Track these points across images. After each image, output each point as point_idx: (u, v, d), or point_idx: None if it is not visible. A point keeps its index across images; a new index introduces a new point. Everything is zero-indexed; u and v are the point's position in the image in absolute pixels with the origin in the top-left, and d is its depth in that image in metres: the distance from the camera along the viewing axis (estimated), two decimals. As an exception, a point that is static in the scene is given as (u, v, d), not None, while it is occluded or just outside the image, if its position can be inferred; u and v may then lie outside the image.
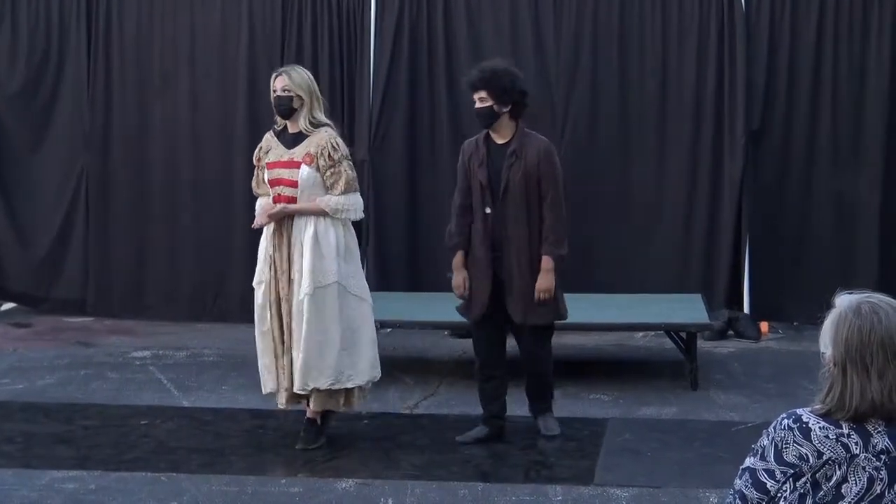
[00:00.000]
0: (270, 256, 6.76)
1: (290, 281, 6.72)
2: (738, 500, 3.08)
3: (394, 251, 10.31)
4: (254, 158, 6.98)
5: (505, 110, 6.80)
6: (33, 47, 10.71)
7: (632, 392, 8.07)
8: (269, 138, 6.91)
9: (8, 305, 11.06)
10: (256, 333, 6.87)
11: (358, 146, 10.24)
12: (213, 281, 10.46)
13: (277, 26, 10.42)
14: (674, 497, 6.12)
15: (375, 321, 8.56)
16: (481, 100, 6.81)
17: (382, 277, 10.20)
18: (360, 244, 10.17)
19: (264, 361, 6.83)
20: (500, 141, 6.86)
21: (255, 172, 6.97)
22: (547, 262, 6.78)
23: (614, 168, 10.14)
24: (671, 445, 6.95)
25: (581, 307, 8.96)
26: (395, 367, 8.73)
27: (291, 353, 6.72)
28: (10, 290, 10.93)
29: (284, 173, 6.74)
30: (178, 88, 10.58)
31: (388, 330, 9.34)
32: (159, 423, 7.43)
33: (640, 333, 9.60)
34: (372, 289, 10.03)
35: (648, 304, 9.07)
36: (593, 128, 10.17)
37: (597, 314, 8.83)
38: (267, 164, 6.82)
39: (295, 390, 6.74)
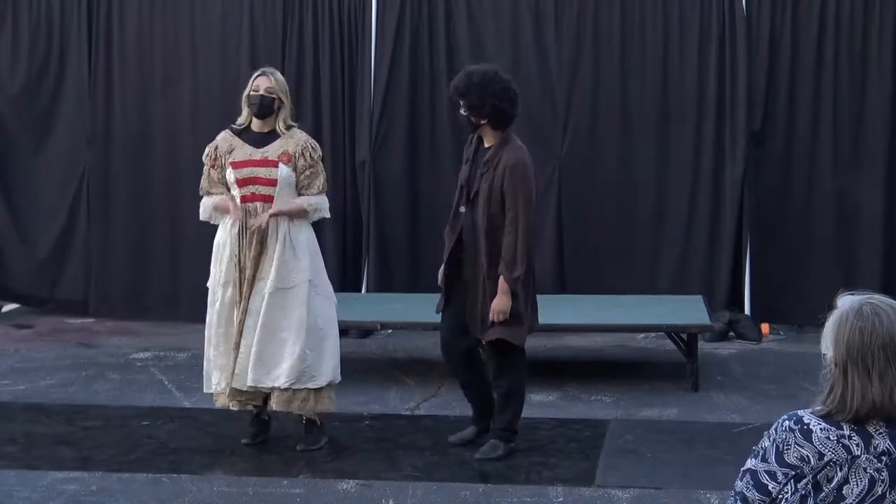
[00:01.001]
0: (236, 256, 6.74)
1: (252, 281, 6.70)
2: (739, 502, 3.08)
3: (394, 251, 10.30)
4: (205, 157, 6.90)
5: (483, 122, 6.58)
6: (34, 48, 10.70)
7: (633, 393, 8.06)
8: (228, 137, 6.85)
9: (10, 306, 11.05)
10: (213, 333, 6.84)
11: (359, 146, 10.23)
12: (214, 282, 10.43)
13: (278, 26, 10.41)
14: (675, 498, 6.12)
15: (376, 322, 8.60)
16: (462, 107, 6.63)
17: (383, 278, 10.19)
18: (360, 244, 10.28)
19: (219, 362, 6.79)
20: (486, 144, 6.67)
21: (206, 171, 6.89)
22: (502, 284, 6.46)
23: (615, 169, 10.12)
24: (672, 447, 6.95)
25: (582, 308, 8.99)
26: (396, 369, 8.74)
27: (240, 351, 6.69)
28: (13, 290, 10.92)
29: (260, 172, 6.71)
30: (179, 88, 10.57)
31: (389, 331, 9.34)
32: (161, 424, 7.43)
33: (642, 334, 9.58)
34: (372, 289, 10.11)
35: (650, 305, 9.07)
36: (594, 128, 10.14)
37: (598, 315, 8.84)
38: (232, 163, 6.76)
39: (247, 384, 6.66)
